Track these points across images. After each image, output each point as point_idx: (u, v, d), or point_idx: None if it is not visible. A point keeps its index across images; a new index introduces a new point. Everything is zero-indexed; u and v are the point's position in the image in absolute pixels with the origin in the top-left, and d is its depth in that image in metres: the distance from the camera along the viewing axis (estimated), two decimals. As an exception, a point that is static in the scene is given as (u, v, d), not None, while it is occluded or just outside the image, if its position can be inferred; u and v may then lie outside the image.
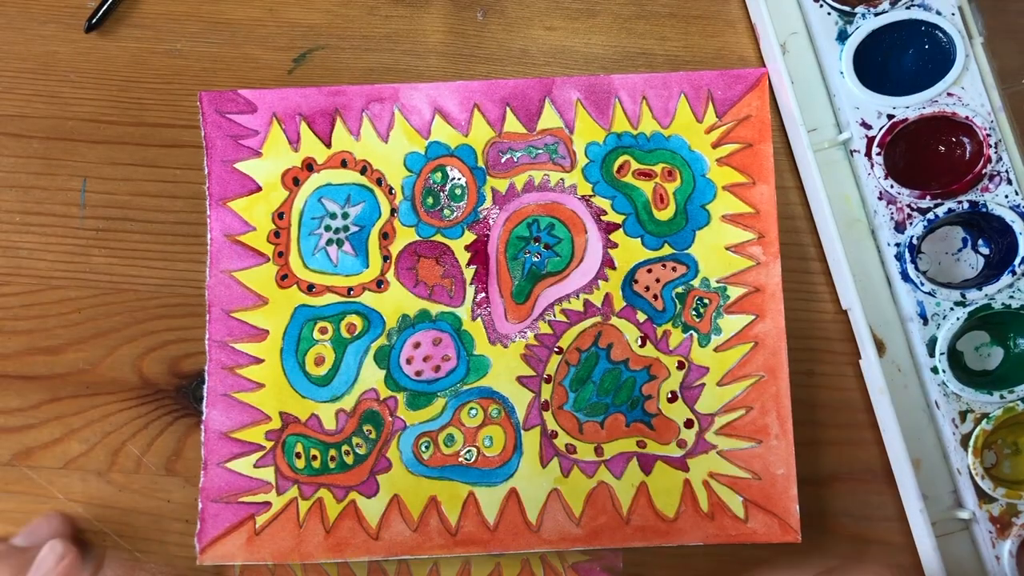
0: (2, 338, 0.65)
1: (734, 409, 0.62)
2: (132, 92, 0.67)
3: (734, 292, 0.63)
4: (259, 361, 0.63)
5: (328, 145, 0.64)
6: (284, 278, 0.63)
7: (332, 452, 0.62)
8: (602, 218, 0.64)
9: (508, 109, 0.64)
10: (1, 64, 0.68)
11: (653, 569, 0.63)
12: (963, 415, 0.61)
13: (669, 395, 0.62)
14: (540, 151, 0.64)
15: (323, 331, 0.63)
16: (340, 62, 0.68)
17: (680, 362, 0.63)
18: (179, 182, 0.66)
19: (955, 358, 0.64)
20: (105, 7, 0.67)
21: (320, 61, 0.68)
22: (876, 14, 0.64)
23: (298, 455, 0.62)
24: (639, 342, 0.63)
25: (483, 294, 0.63)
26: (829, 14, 0.65)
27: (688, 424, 0.62)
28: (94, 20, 0.67)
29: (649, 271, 0.63)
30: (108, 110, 0.67)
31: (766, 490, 0.61)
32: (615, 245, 0.63)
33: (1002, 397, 0.61)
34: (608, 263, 0.63)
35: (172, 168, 0.66)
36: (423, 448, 0.62)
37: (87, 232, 0.66)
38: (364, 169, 0.64)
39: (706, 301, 0.63)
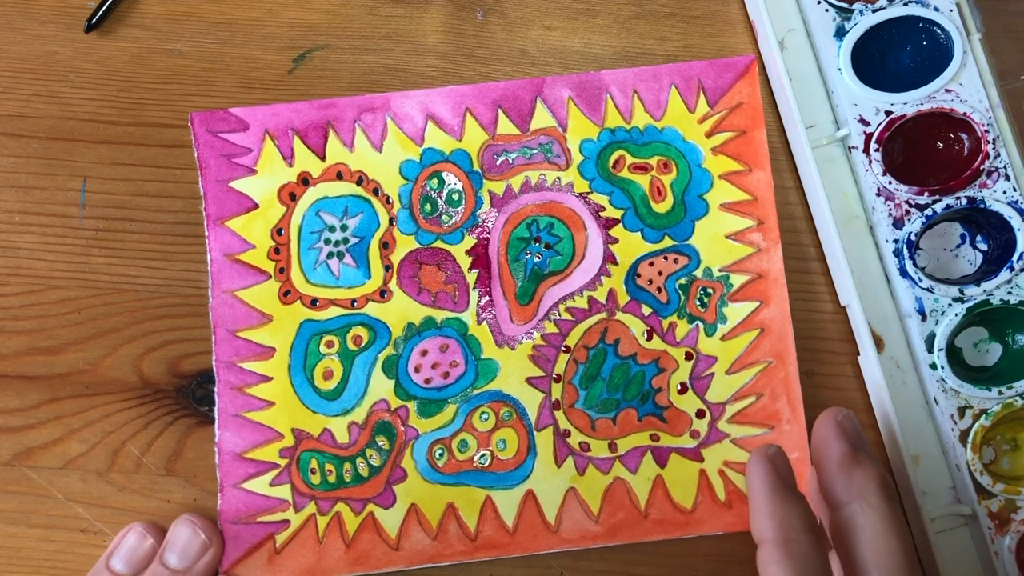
0: (2, 338, 0.61)
1: (744, 396, 0.59)
2: (132, 92, 0.63)
3: (737, 280, 0.59)
4: (267, 379, 0.59)
5: (322, 158, 0.60)
6: (287, 294, 0.59)
7: (347, 466, 0.58)
8: (601, 214, 0.60)
9: (500, 111, 0.61)
10: (1, 64, 0.64)
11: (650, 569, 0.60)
12: (962, 411, 0.58)
13: (679, 387, 0.59)
14: (535, 151, 0.61)
15: (329, 345, 0.59)
16: (340, 62, 0.64)
17: (688, 353, 0.59)
18: (179, 182, 0.62)
19: (953, 354, 0.61)
20: (105, 7, 0.63)
21: (320, 61, 0.64)
22: (874, 10, 0.61)
23: (313, 471, 0.58)
24: (646, 335, 0.59)
25: (487, 297, 0.60)
26: (827, 11, 0.62)
27: (700, 414, 0.58)
28: (94, 20, 0.63)
29: (651, 264, 0.60)
30: (108, 110, 0.63)
31: None
32: (615, 240, 0.60)
33: (1000, 393, 0.58)
34: (610, 259, 0.60)
35: (172, 168, 0.62)
36: (437, 455, 0.58)
37: (87, 232, 0.62)
38: (360, 180, 0.60)
39: (710, 290, 0.59)
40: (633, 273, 0.59)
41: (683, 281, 0.59)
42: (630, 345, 0.59)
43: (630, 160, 0.60)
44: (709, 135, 0.60)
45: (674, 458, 0.58)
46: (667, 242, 0.60)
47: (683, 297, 0.59)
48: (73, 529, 0.59)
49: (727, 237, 0.60)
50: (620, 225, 0.60)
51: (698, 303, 0.59)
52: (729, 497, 0.58)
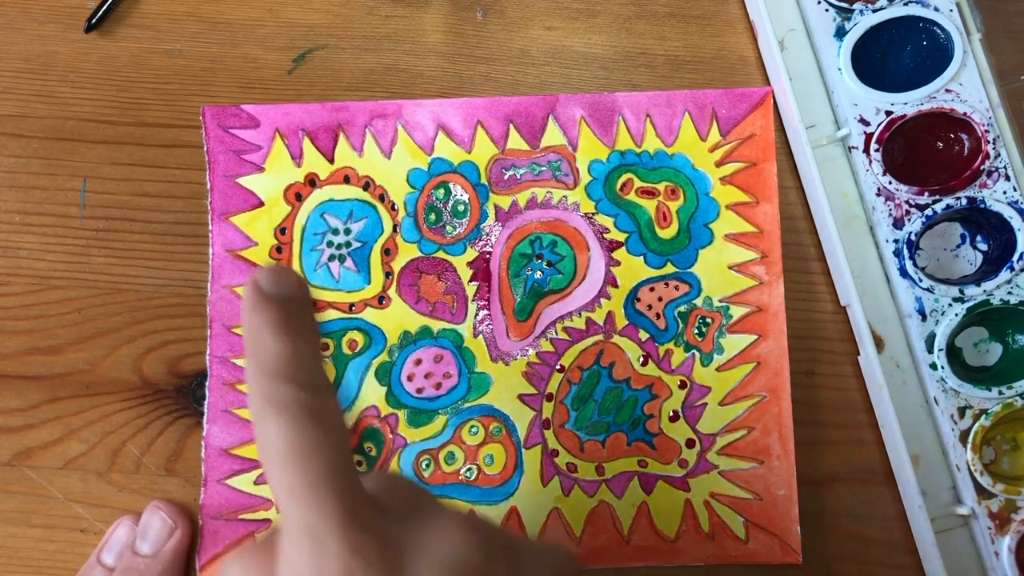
0: (2, 338, 0.61)
1: (736, 429, 0.58)
2: (132, 92, 0.63)
3: (737, 311, 0.59)
4: (260, 377, 0.57)
5: (331, 161, 0.60)
6: (285, 294, 0.58)
7: (333, 470, 0.57)
8: (604, 236, 0.59)
9: (511, 126, 0.60)
10: (1, 64, 0.63)
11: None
12: (962, 411, 0.58)
13: (671, 414, 0.58)
14: (543, 168, 0.60)
15: (324, 347, 0.58)
16: (340, 62, 0.63)
17: (682, 381, 0.58)
18: (179, 182, 0.62)
19: (954, 354, 0.60)
20: (105, 7, 0.63)
21: (320, 61, 0.63)
22: (874, 10, 0.60)
23: (299, 472, 0.57)
24: (641, 361, 0.58)
25: (485, 311, 0.59)
26: (827, 11, 0.61)
27: (689, 444, 0.58)
28: (94, 20, 0.62)
29: (652, 289, 0.59)
30: (108, 110, 0.62)
31: (767, 511, 0.57)
32: (617, 263, 0.59)
33: (1001, 393, 0.57)
34: (611, 281, 0.59)
35: (172, 168, 0.62)
36: (424, 466, 0.58)
37: (87, 232, 0.61)
38: (367, 185, 0.60)
39: (708, 320, 0.59)
40: (633, 297, 0.59)
41: (682, 309, 0.59)
42: (624, 369, 0.58)
43: (638, 184, 0.59)
44: (719, 164, 0.59)
45: (660, 486, 0.57)
46: (669, 268, 0.59)
47: (681, 325, 0.58)
48: (73, 529, 0.59)
49: (730, 268, 0.59)
50: (623, 248, 0.59)
51: (696, 332, 0.58)
52: (713, 529, 0.57)
